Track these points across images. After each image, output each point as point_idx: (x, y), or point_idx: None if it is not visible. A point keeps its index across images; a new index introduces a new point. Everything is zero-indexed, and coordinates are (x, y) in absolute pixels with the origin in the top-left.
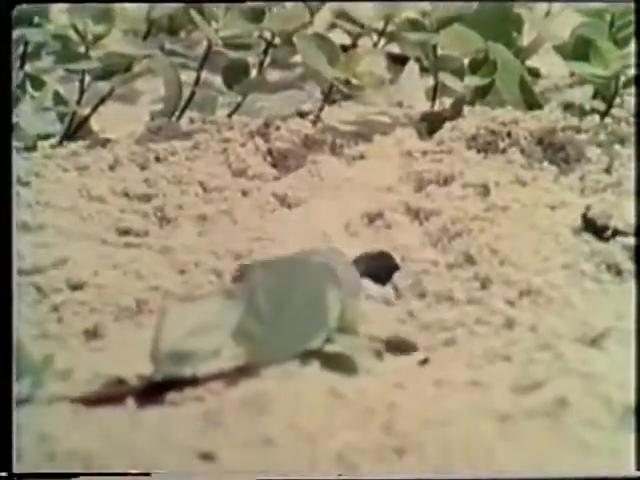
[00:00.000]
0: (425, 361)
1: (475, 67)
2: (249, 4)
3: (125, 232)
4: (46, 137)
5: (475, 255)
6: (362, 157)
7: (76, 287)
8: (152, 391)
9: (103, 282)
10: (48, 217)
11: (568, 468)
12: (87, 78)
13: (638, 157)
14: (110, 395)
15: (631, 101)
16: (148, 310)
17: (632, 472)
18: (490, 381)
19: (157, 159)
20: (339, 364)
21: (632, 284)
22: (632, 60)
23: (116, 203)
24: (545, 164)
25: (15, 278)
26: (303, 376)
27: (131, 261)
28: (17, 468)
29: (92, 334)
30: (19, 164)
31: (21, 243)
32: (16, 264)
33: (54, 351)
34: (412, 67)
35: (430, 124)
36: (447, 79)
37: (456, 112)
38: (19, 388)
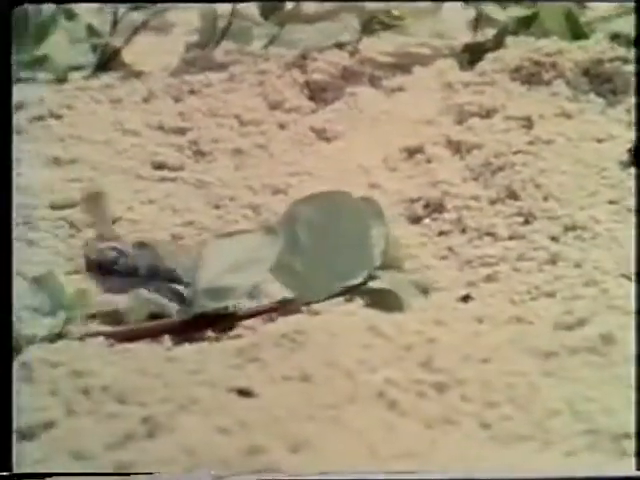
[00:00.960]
0: (467, 297)
1: None
2: None
3: (160, 166)
4: (78, 69)
5: (518, 190)
6: (401, 89)
7: (113, 220)
8: (189, 327)
9: (138, 217)
10: (81, 151)
11: (613, 404)
12: (120, 9)
13: None
14: (146, 331)
15: None
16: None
17: (632, 472)
18: (533, 317)
19: (192, 91)
20: (383, 301)
21: None
22: None
23: (151, 136)
24: (591, 96)
25: (48, 213)
26: (343, 312)
27: (166, 196)
28: (52, 402)
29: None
30: (51, 97)
31: (53, 177)
32: (49, 198)
33: (88, 286)
34: None
35: (472, 55)
36: (490, 9)
37: (499, 43)
38: (54, 323)
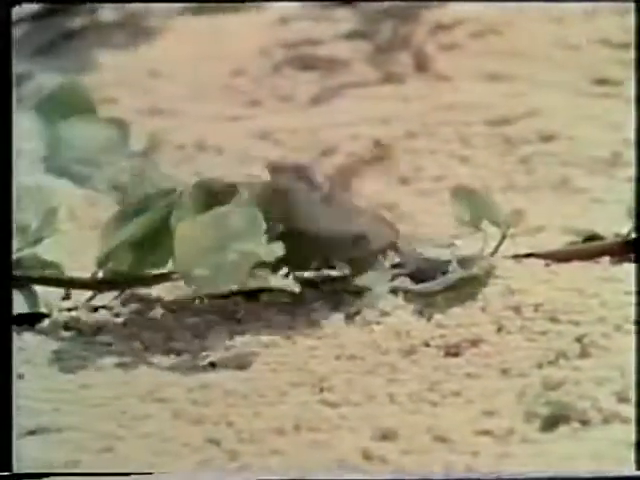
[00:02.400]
0: None
1: None
2: None
3: (601, 82)
4: None
5: None
6: None
7: (547, 138)
8: (628, 248)
9: (576, 133)
10: (520, 67)
11: None
12: None
13: None
14: (584, 251)
15: None
16: (623, 163)
17: (632, 472)
18: None
19: None
20: None
21: None
22: None
23: (593, 51)
24: None
25: (481, 129)
26: None
27: (606, 112)
28: (483, 319)
29: (562, 185)
30: (489, 13)
31: (491, 94)
32: (483, 115)
33: (524, 204)
34: None
35: None
36: None
37: None
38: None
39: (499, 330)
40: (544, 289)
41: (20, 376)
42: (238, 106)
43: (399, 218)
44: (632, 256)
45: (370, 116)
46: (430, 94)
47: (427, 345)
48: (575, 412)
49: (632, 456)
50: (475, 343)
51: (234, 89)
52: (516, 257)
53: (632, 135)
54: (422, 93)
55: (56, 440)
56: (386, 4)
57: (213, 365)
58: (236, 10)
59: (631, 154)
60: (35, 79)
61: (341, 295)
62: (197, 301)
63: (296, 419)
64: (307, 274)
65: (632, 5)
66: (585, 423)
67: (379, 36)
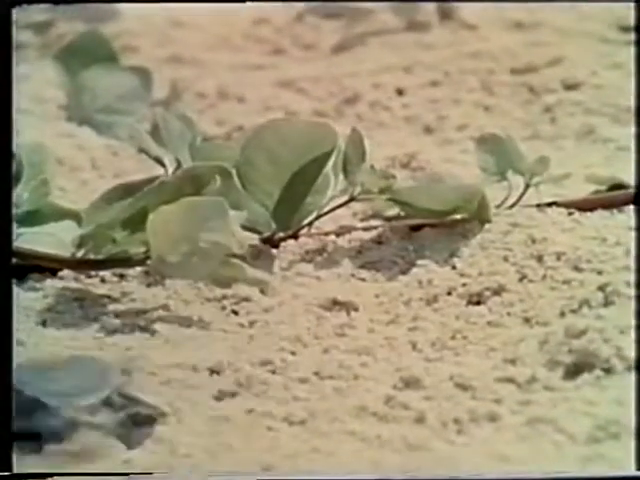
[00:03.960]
0: None
1: None
2: None
3: (627, 29)
4: None
5: None
6: None
7: (571, 87)
8: None
9: (601, 82)
10: (545, 14)
11: None
12: None
13: None
14: (608, 200)
15: None
16: None
17: (632, 472)
18: None
19: None
20: None
21: None
22: None
23: None
24: None
25: (506, 77)
26: None
27: (631, 60)
28: (505, 268)
29: (586, 133)
30: None
31: (515, 42)
32: (507, 63)
33: (548, 153)
34: None
35: None
36: None
37: None
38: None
39: (522, 279)
40: (567, 238)
41: (43, 323)
42: (261, 55)
43: (422, 167)
44: None
45: (393, 64)
46: (454, 42)
47: (449, 293)
48: (598, 360)
49: None
50: (497, 292)
51: (257, 38)
52: (539, 206)
53: None
54: (446, 41)
55: None
56: None
57: (235, 313)
58: None
59: None
60: (56, 28)
61: None
62: None
63: (318, 367)
64: None
65: (632, 5)
66: (608, 371)
67: None
